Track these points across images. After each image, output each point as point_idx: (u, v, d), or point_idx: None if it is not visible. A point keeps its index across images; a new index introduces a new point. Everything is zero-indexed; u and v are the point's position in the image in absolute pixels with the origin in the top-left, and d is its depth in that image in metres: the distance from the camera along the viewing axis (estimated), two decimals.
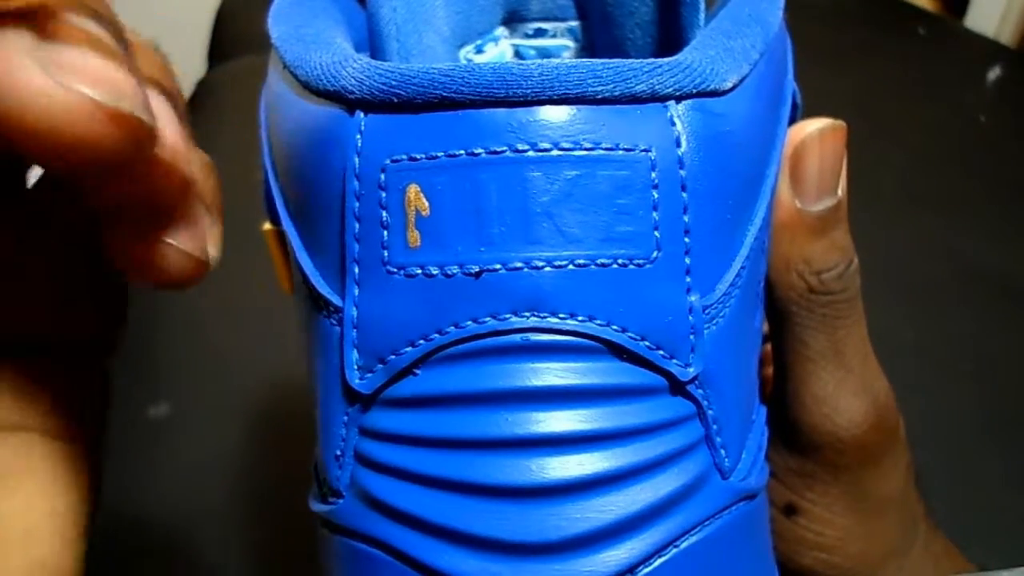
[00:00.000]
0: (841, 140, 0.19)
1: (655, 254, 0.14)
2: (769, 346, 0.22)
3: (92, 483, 0.16)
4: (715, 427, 0.15)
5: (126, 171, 0.11)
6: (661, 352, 0.14)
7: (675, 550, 0.14)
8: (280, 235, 0.17)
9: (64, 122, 0.09)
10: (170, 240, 0.13)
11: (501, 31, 0.21)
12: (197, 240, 0.14)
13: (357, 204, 0.14)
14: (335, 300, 0.15)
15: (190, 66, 0.87)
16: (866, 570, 0.21)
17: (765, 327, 0.21)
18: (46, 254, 0.15)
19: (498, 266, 0.13)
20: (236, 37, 0.78)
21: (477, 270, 0.14)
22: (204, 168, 0.14)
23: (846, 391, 0.20)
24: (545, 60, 0.13)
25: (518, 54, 0.21)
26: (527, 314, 0.14)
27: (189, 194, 0.13)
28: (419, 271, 0.14)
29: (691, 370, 0.14)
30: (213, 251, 0.14)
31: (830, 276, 0.19)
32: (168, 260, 0.13)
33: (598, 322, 0.14)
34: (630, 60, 0.14)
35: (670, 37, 0.18)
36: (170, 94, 0.13)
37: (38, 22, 0.10)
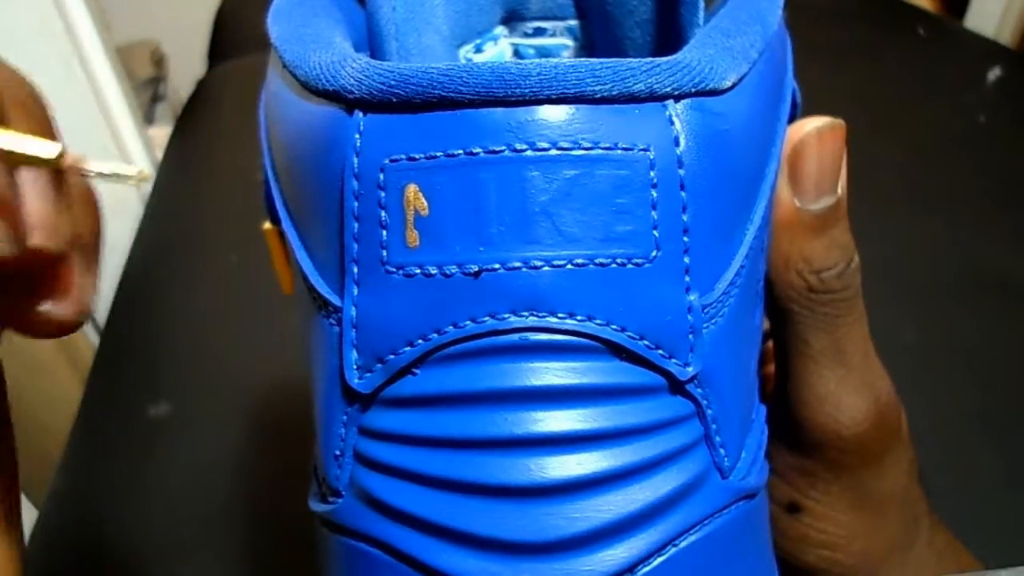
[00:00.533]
0: (840, 138, 0.19)
1: (654, 253, 0.14)
2: (770, 344, 0.22)
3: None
4: (714, 426, 0.15)
5: None
6: (660, 351, 0.14)
7: (674, 549, 0.14)
8: (280, 235, 0.17)
9: None
10: (43, 308, 0.14)
11: (500, 30, 0.21)
12: (70, 303, 0.15)
13: (356, 204, 0.14)
14: (334, 300, 0.15)
15: (190, 66, 0.87)
16: (870, 566, 0.21)
17: (766, 324, 0.21)
18: None
19: (497, 266, 0.13)
20: (236, 37, 0.78)
21: (476, 270, 0.14)
22: (80, 221, 0.15)
23: (848, 389, 0.20)
24: (544, 59, 0.13)
25: (517, 53, 0.21)
26: (526, 314, 0.14)
27: (58, 265, 0.14)
28: (418, 271, 0.14)
29: (690, 369, 0.14)
30: (87, 303, 0.15)
31: (830, 275, 0.19)
32: (43, 322, 0.14)
33: (597, 321, 0.14)
34: (628, 59, 0.14)
35: (669, 36, 0.18)
36: (46, 136, 0.14)
37: None
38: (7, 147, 0.13)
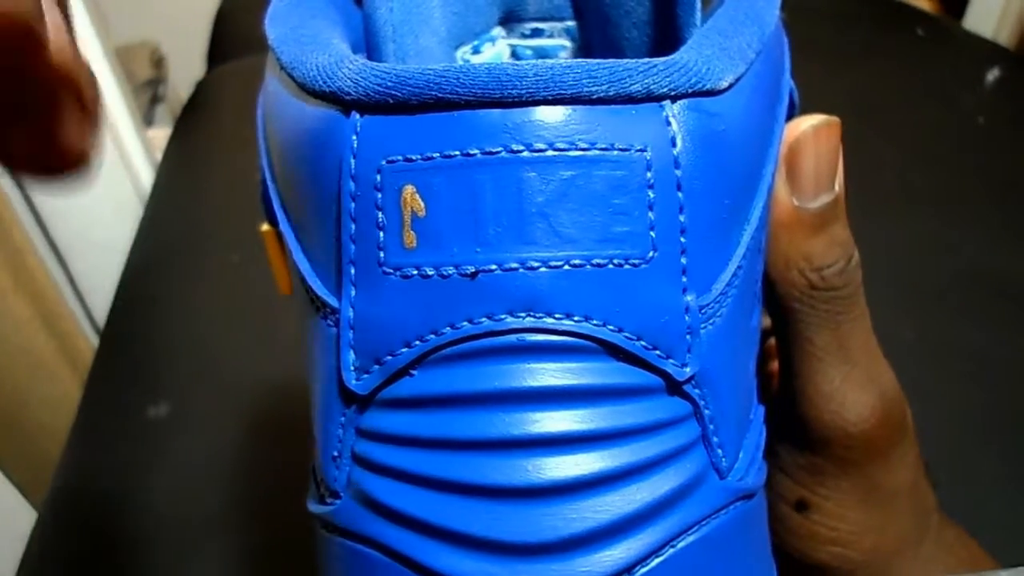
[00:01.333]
0: (836, 136, 0.19)
1: (651, 254, 0.14)
2: (773, 341, 0.22)
3: None
4: (712, 427, 0.15)
5: (10, 65, 0.12)
6: (657, 352, 0.14)
7: (672, 550, 0.14)
8: (278, 236, 0.17)
9: None
10: (53, 133, 0.13)
11: (498, 31, 0.21)
12: (77, 135, 0.13)
13: (353, 205, 0.14)
14: (331, 301, 0.15)
15: (189, 67, 0.87)
16: (880, 562, 0.21)
17: (768, 323, 0.21)
18: None
19: (494, 267, 0.13)
20: (236, 37, 0.78)
21: (473, 271, 0.14)
22: (87, 72, 0.14)
23: (852, 385, 0.20)
24: (541, 60, 0.13)
25: (515, 54, 0.21)
26: (523, 314, 0.14)
27: (73, 90, 0.13)
28: (415, 272, 0.14)
29: (687, 370, 0.14)
30: (92, 151, 0.14)
31: (831, 272, 0.19)
32: (50, 153, 0.13)
33: (594, 322, 0.14)
34: (625, 60, 0.14)
35: (666, 36, 0.18)
36: None
37: None
38: None
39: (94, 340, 0.52)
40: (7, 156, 0.13)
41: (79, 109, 0.13)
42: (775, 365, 0.22)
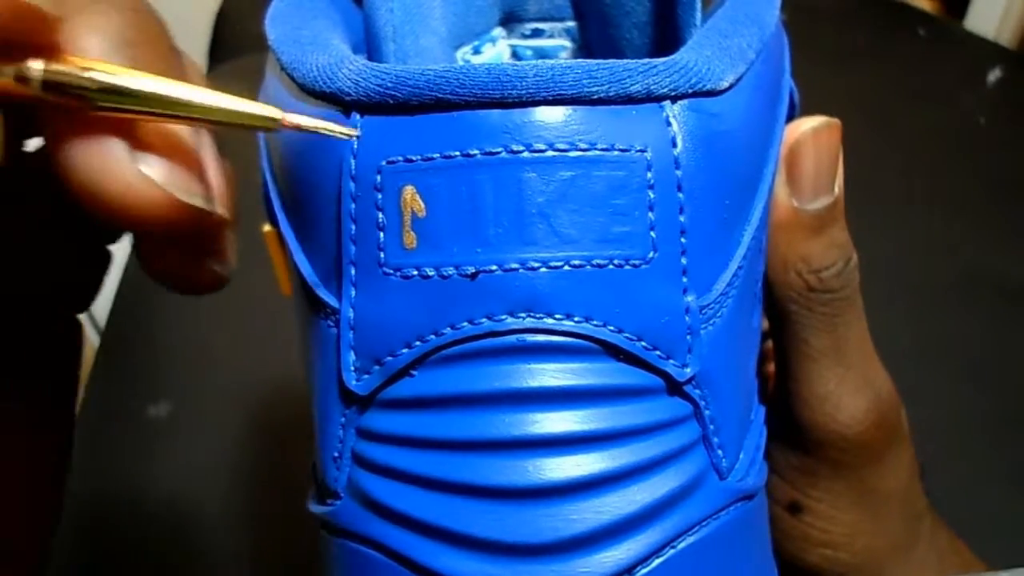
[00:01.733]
0: (836, 137, 0.19)
1: (651, 254, 0.14)
2: (770, 343, 0.22)
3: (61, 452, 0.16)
4: (712, 427, 0.15)
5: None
6: (658, 352, 0.14)
7: (672, 551, 0.14)
8: (279, 237, 0.17)
9: (144, 203, 0.12)
10: (205, 263, 0.15)
11: (498, 32, 0.21)
12: (225, 260, 0.16)
13: (353, 206, 0.14)
14: (332, 302, 0.15)
15: None
16: (872, 565, 0.21)
17: (765, 324, 0.21)
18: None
19: (494, 267, 0.13)
20: (236, 37, 0.78)
21: (473, 271, 0.14)
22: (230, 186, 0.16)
23: (848, 388, 0.20)
24: (541, 61, 0.13)
25: (515, 55, 0.21)
26: (523, 315, 0.14)
27: (225, 228, 0.15)
28: (415, 272, 0.14)
29: (688, 370, 0.14)
30: (233, 261, 0.16)
31: (829, 274, 0.19)
32: (201, 277, 0.15)
33: (594, 323, 0.14)
34: (626, 60, 0.14)
35: (667, 37, 0.18)
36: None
37: (131, 134, 0.12)
38: (230, 107, 0.13)
39: (94, 340, 0.51)
40: (159, 273, 0.15)
41: (224, 242, 0.15)
42: (771, 367, 0.22)
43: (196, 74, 0.15)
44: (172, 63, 0.13)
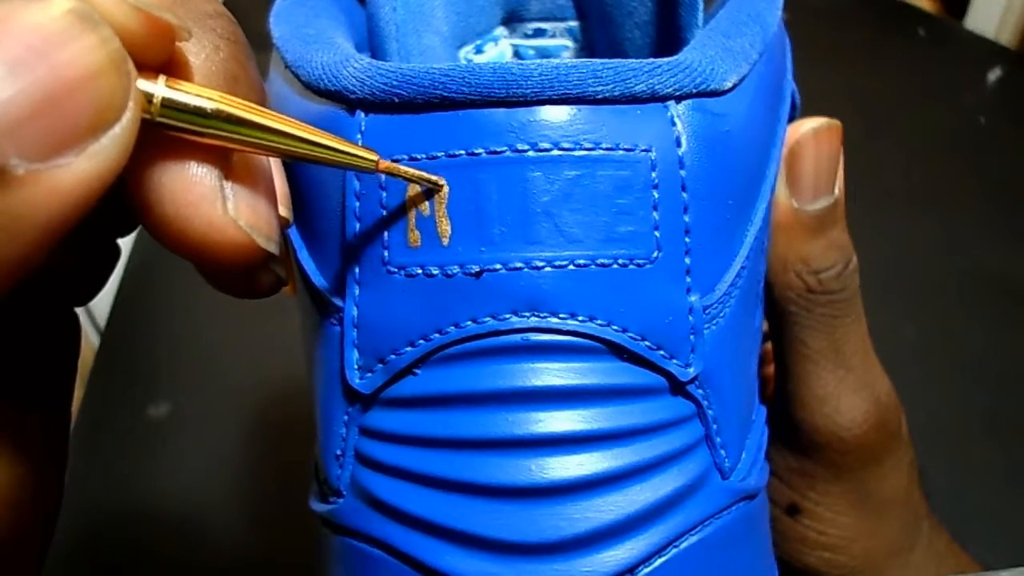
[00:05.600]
0: (837, 139, 0.19)
1: (655, 254, 0.14)
2: (770, 345, 0.22)
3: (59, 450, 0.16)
4: (715, 427, 0.15)
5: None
6: (661, 352, 0.14)
7: (675, 550, 0.14)
8: (284, 236, 0.17)
9: (226, 245, 0.12)
10: (265, 274, 0.15)
11: (500, 31, 0.21)
12: (282, 264, 0.16)
13: (357, 204, 0.14)
14: (336, 300, 0.15)
15: None
16: (870, 568, 0.21)
17: (765, 326, 0.21)
18: None
19: (498, 266, 0.13)
20: None
21: (477, 270, 0.14)
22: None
23: (847, 390, 0.20)
24: (545, 60, 0.13)
25: (517, 54, 0.21)
26: (527, 314, 0.14)
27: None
28: (419, 271, 0.14)
29: (691, 370, 0.14)
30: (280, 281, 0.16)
31: (828, 275, 0.19)
32: (262, 285, 0.15)
33: (598, 322, 0.14)
34: (630, 60, 0.14)
35: (669, 37, 0.18)
36: None
37: (223, 164, 0.12)
38: (333, 146, 0.13)
39: (94, 340, 0.51)
40: (221, 288, 0.15)
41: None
42: (771, 369, 0.22)
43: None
44: (263, 102, 0.13)
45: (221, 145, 0.12)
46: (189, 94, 0.11)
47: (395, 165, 0.13)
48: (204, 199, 0.12)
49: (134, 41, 0.11)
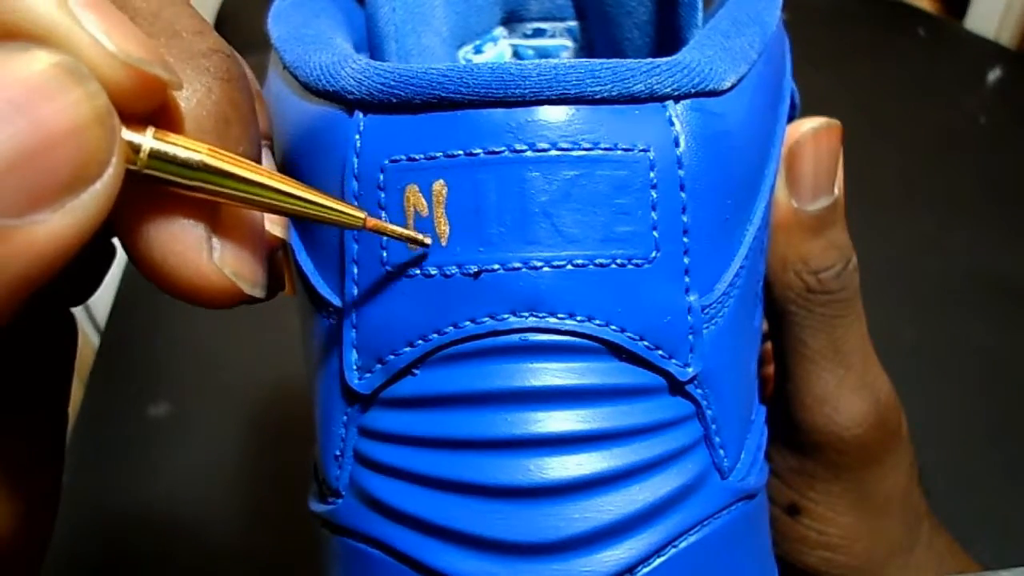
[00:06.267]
0: (836, 138, 0.19)
1: (654, 254, 0.14)
2: (769, 345, 0.22)
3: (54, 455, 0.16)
4: (714, 427, 0.15)
5: None
6: (660, 352, 0.14)
7: (674, 550, 0.14)
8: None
9: (211, 292, 0.12)
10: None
11: (500, 31, 0.21)
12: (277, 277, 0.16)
13: (356, 204, 0.14)
14: (334, 300, 0.15)
15: None
16: (870, 568, 0.21)
17: (765, 326, 0.21)
18: None
19: (496, 266, 0.13)
20: (237, 38, 0.78)
21: (476, 270, 0.14)
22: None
23: (847, 390, 0.20)
24: (543, 60, 0.13)
25: (517, 54, 0.21)
26: (526, 314, 0.14)
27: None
28: (418, 271, 0.14)
29: (690, 370, 0.14)
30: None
31: (828, 275, 0.19)
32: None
33: (597, 322, 0.14)
34: (628, 60, 0.14)
35: (668, 37, 0.18)
36: None
37: (210, 213, 0.12)
38: (320, 202, 0.13)
39: (94, 340, 0.51)
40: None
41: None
42: (770, 369, 0.22)
43: (264, 116, 0.15)
44: (256, 141, 0.13)
45: (205, 198, 0.12)
46: (176, 146, 0.11)
47: (382, 223, 0.14)
48: (190, 249, 0.12)
49: (122, 95, 0.11)
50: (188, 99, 0.12)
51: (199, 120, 0.12)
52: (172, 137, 0.11)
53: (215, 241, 0.12)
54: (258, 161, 0.13)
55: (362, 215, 0.13)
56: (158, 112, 0.11)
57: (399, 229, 0.14)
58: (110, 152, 0.10)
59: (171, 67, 0.11)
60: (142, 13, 0.12)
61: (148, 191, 0.12)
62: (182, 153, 0.11)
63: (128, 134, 0.11)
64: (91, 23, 0.10)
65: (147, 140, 0.11)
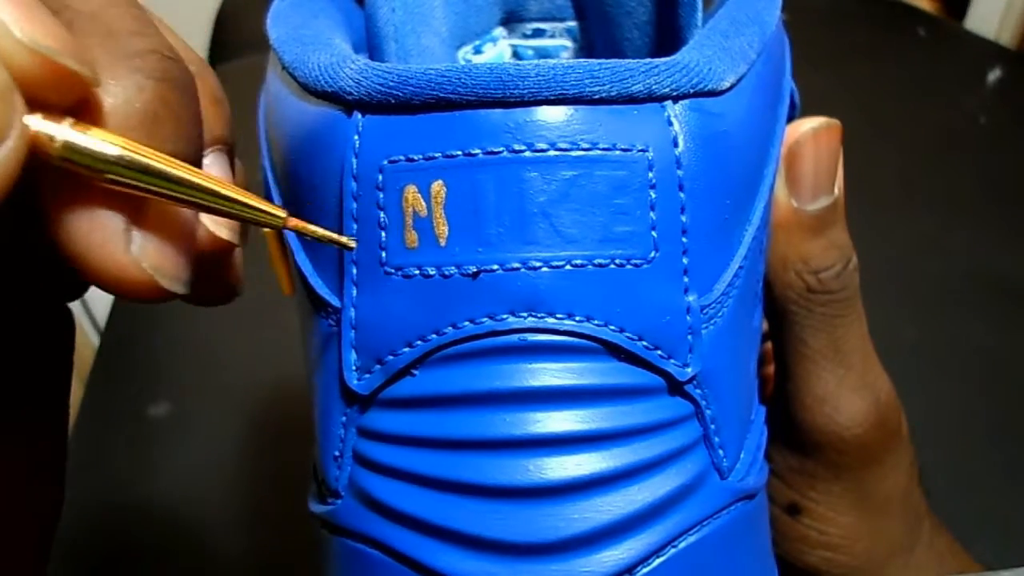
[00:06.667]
0: (836, 138, 0.19)
1: (652, 254, 0.14)
2: (769, 345, 0.22)
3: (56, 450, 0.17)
4: (713, 427, 0.15)
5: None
6: (659, 352, 0.14)
7: (673, 550, 0.14)
8: (281, 236, 0.17)
9: (129, 283, 0.12)
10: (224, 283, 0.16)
11: (499, 31, 0.21)
12: (238, 278, 0.16)
13: (354, 205, 0.14)
14: (333, 301, 0.15)
15: None
16: (871, 568, 0.21)
17: (765, 326, 0.21)
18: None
19: (495, 266, 0.13)
20: (236, 38, 0.78)
21: (474, 271, 0.14)
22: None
23: (847, 389, 0.20)
24: (542, 60, 0.13)
25: (516, 55, 0.21)
26: (524, 314, 0.14)
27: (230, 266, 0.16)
28: (417, 272, 0.14)
29: (689, 370, 0.14)
30: (240, 278, 0.17)
31: (828, 275, 0.19)
32: (222, 294, 0.16)
33: (595, 322, 0.14)
34: (627, 60, 0.14)
35: (668, 37, 0.18)
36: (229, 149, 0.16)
37: (132, 206, 0.12)
38: (241, 200, 0.13)
39: (94, 340, 0.52)
40: (196, 300, 0.15)
41: (228, 270, 0.16)
42: (770, 369, 0.22)
43: (223, 121, 0.15)
44: (194, 141, 0.13)
45: (125, 192, 0.12)
46: (93, 138, 0.11)
47: (303, 224, 0.14)
48: (108, 241, 0.12)
49: (31, 81, 0.11)
50: (116, 95, 0.12)
51: (126, 116, 0.12)
52: (91, 131, 0.12)
53: (135, 234, 0.12)
54: (195, 162, 0.13)
55: (283, 215, 0.14)
56: (80, 105, 0.12)
57: (320, 230, 0.14)
58: (8, 126, 0.11)
59: (88, 61, 0.11)
60: (81, 13, 0.12)
61: (71, 182, 0.12)
62: (96, 146, 0.11)
63: (41, 122, 0.11)
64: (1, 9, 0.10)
65: (61, 130, 0.11)
